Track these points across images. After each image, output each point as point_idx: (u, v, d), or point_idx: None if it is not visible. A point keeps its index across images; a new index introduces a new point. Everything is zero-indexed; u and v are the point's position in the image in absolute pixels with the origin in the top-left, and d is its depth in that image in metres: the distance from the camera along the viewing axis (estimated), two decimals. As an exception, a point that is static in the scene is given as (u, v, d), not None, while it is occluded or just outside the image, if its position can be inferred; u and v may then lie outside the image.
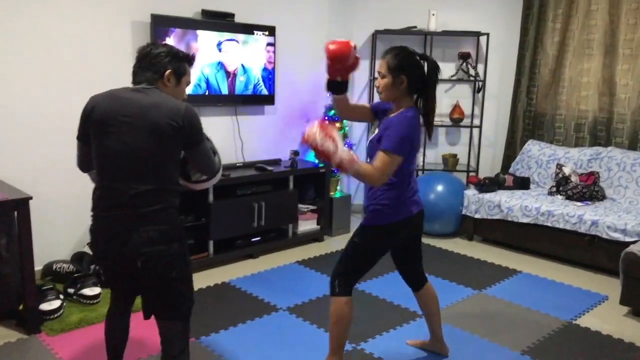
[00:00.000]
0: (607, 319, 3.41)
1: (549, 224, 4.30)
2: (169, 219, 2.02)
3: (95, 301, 3.30)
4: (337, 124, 4.97)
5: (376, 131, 2.45)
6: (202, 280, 3.82)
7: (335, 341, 2.50)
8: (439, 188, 4.83)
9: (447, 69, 5.45)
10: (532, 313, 3.45)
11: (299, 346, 2.96)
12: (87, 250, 3.76)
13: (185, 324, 2.16)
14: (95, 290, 3.32)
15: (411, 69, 2.36)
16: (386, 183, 2.34)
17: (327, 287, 3.77)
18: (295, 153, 4.64)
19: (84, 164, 2.18)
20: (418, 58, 2.39)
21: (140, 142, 1.95)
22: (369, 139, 2.49)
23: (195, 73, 4.13)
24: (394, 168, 2.27)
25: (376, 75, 2.49)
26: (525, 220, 4.44)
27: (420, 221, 2.57)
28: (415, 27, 5.26)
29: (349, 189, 5.57)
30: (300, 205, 4.68)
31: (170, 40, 3.94)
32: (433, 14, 5.17)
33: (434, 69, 2.38)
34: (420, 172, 5.35)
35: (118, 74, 3.81)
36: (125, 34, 3.84)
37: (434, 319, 2.82)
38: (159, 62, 2.08)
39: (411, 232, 2.57)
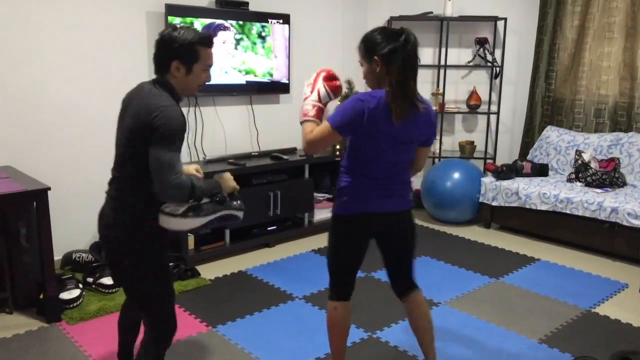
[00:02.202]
0: (627, 307, 3.37)
1: (567, 211, 4.25)
2: (122, 209, 2.04)
3: (113, 290, 3.34)
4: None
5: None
6: (218, 269, 3.85)
7: (331, 346, 2.39)
8: (456, 175, 4.79)
9: (464, 55, 5.38)
10: (550, 301, 3.42)
11: (314, 335, 2.97)
12: (106, 239, 3.81)
13: (149, 317, 2.10)
14: (114, 279, 3.37)
15: (381, 48, 2.10)
16: (340, 167, 2.28)
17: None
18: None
19: None
20: (392, 35, 2.11)
21: (120, 132, 2.05)
22: None
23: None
24: (328, 140, 2.15)
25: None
26: (543, 207, 4.39)
27: (390, 224, 2.29)
28: (432, 12, 5.19)
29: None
30: (316, 194, 4.68)
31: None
32: (449, -1, 5.09)
33: (408, 42, 2.08)
34: (436, 160, 5.31)
35: (133, 65, 3.85)
36: (140, 24, 3.85)
37: (422, 338, 2.42)
38: (166, 51, 1.98)
39: (376, 232, 2.32)
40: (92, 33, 3.67)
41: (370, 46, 2.15)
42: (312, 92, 2.26)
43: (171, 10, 3.86)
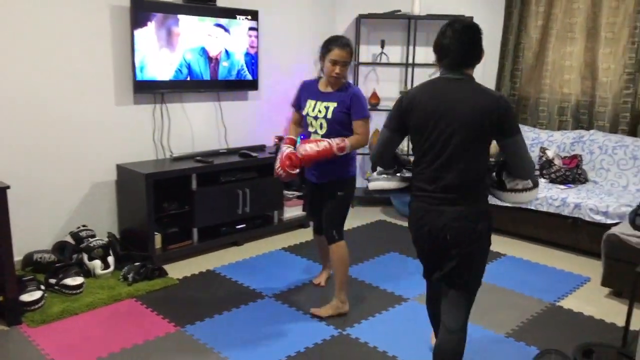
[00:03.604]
0: (589, 300, 3.46)
1: (532, 207, 4.33)
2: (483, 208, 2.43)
3: (78, 291, 3.26)
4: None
5: (330, 105, 2.99)
6: (186, 268, 3.79)
7: (344, 279, 3.12)
8: (424, 173, 4.82)
9: (431, 54, 5.40)
10: (515, 295, 3.49)
11: (285, 333, 2.96)
12: (69, 239, 3.71)
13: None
14: (78, 280, 3.28)
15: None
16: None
17: (313, 273, 3.78)
18: (280, 138, 4.61)
19: (386, 152, 2.30)
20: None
21: (457, 133, 2.10)
22: (321, 112, 3.01)
23: (177, 58, 4.07)
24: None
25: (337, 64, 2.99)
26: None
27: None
28: (400, 10, 5.22)
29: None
30: (285, 192, 4.66)
31: (151, 26, 3.86)
32: (417, -2, 5.13)
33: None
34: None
35: (97, 61, 3.75)
36: (104, 19, 3.76)
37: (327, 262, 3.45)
38: (481, 43, 2.20)
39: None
40: (54, 28, 3.56)
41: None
42: (323, 142, 2.92)
43: (137, 5, 3.78)
